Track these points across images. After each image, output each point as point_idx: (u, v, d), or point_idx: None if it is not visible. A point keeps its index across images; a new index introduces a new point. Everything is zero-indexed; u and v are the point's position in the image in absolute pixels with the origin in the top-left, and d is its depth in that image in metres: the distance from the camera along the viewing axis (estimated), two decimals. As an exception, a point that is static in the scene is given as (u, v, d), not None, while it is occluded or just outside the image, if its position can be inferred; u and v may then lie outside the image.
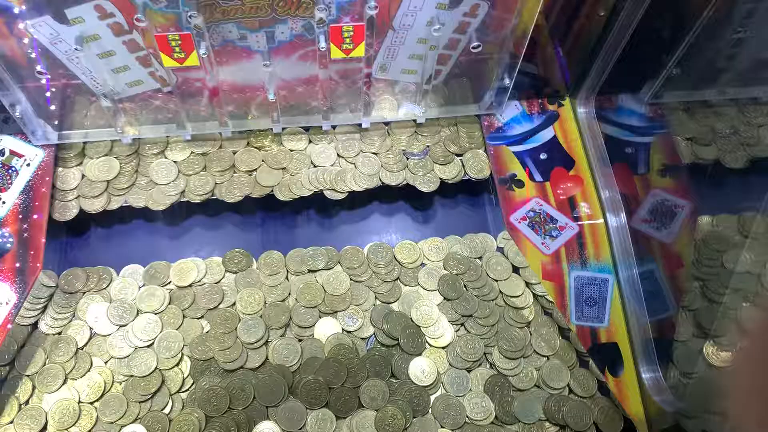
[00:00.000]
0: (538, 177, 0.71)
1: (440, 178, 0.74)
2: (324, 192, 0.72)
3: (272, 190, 0.72)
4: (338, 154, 0.74)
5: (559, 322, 0.70)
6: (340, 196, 0.72)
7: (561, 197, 0.70)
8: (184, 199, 0.71)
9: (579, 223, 0.69)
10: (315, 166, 0.73)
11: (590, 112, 0.74)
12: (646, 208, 0.70)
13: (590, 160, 0.72)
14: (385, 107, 0.73)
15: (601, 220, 0.69)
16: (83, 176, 0.71)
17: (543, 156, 0.72)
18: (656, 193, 0.71)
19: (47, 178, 0.68)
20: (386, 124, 0.75)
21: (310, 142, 0.75)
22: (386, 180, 0.73)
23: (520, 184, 0.70)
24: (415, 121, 0.74)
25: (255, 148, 0.74)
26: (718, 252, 0.72)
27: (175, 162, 0.72)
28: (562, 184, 0.71)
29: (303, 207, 0.75)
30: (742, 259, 0.71)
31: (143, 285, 0.70)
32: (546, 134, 0.73)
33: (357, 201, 0.75)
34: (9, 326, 0.62)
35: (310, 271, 0.72)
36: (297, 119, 0.72)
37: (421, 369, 0.67)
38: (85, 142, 0.71)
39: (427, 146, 0.74)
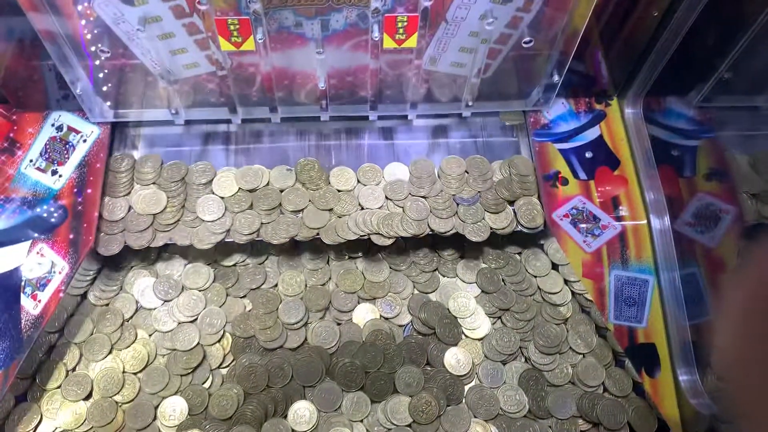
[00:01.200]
0: (582, 175, 0.71)
1: (491, 228, 0.69)
2: (371, 236, 0.69)
3: (318, 233, 0.68)
4: (386, 197, 0.70)
5: (597, 321, 0.70)
6: (387, 242, 0.69)
7: (604, 196, 0.70)
8: (230, 239, 0.68)
9: (622, 223, 0.69)
10: (363, 209, 0.70)
11: (638, 112, 0.74)
12: (691, 212, 0.70)
13: (636, 160, 0.72)
14: (432, 100, 0.74)
15: (645, 221, 0.69)
16: (130, 208, 0.69)
17: (588, 154, 0.72)
18: (701, 197, 0.70)
19: (102, 155, 0.70)
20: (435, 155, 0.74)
21: (359, 182, 0.72)
22: (435, 226, 0.69)
23: (564, 181, 0.70)
24: (459, 115, 0.75)
25: (301, 183, 0.71)
26: (761, 259, 0.71)
27: (222, 198, 0.69)
28: (607, 183, 0.71)
29: (349, 251, 0.74)
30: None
31: (189, 262, 0.72)
32: (592, 133, 0.73)
33: (405, 247, 0.75)
34: (61, 295, 0.64)
35: (350, 257, 0.73)
36: (345, 108, 0.73)
37: (456, 359, 0.68)
38: (134, 164, 0.71)
39: (478, 192, 0.71)
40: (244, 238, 0.68)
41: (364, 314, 0.70)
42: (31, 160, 0.69)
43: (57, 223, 0.67)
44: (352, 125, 0.75)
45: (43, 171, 0.69)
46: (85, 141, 0.71)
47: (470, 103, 0.72)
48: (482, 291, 0.71)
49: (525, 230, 0.70)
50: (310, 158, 0.72)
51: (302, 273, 0.72)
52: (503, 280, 0.72)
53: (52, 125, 0.71)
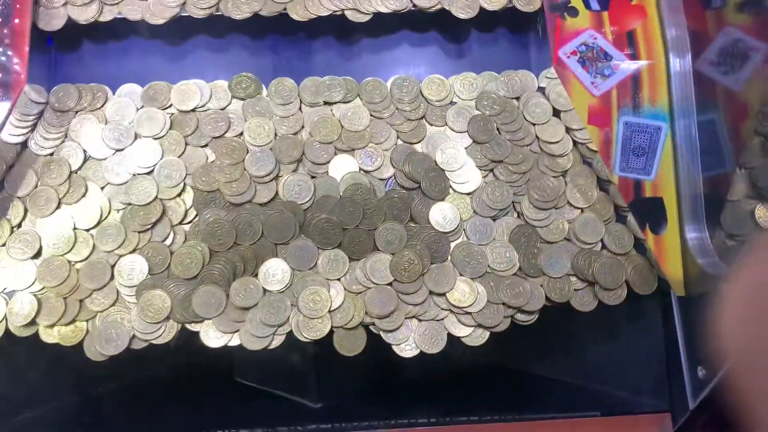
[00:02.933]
0: (594, 5, 0.61)
1: (480, 5, 0.63)
2: (345, 12, 0.62)
3: (285, 8, 0.62)
4: None
5: (599, 173, 0.63)
6: (364, 18, 0.62)
7: (619, 30, 0.60)
8: (185, 13, 0.62)
9: (636, 61, 0.60)
10: None
11: (664, -72, 0.63)
12: (716, 49, 0.61)
13: (657, -12, 0.62)
14: None
15: (662, 60, 0.60)
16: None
17: (603, -20, 0.61)
18: (729, 32, 0.61)
19: (28, -23, 0.59)
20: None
21: None
22: (417, 1, 0.62)
23: (574, 12, 0.60)
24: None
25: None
26: (787, 105, 0.63)
27: None
28: (622, 14, 0.61)
29: (320, 30, 0.65)
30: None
31: (141, 107, 0.63)
32: (609, -46, 0.62)
33: (382, 26, 0.65)
34: (-6, 143, 0.56)
35: (326, 103, 0.65)
36: None
37: (442, 214, 0.61)
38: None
39: None
40: (202, 12, 0.61)
41: (341, 167, 0.63)
42: (-57, -17, 0.58)
43: (-20, 59, 0.57)
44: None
45: (-40, -4, 0.58)
46: (6, -40, 0.59)
47: None
48: (474, 141, 0.64)
49: (520, 10, 0.63)
50: None
51: (271, 120, 0.63)
52: (498, 129, 0.64)
53: (-36, -61, 0.59)
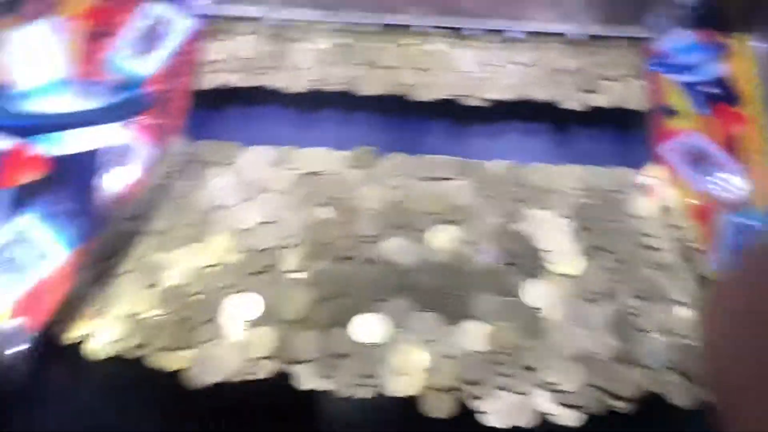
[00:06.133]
0: (699, 110, 0.64)
1: (588, 103, 0.68)
2: (462, 98, 0.68)
3: (408, 89, 0.68)
4: (482, 62, 0.70)
5: (701, 269, 0.63)
6: (479, 104, 0.68)
7: (722, 134, 0.63)
8: (320, 87, 0.69)
9: (740, 164, 0.62)
10: (456, 71, 0.69)
11: (769, 48, 0.67)
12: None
13: (761, 100, 0.65)
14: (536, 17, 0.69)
15: (766, 165, 0.62)
16: (225, 52, 0.70)
17: (707, 89, 0.65)
18: (835, 147, 0.63)
19: (197, 44, 0.69)
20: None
21: (452, 48, 0.71)
22: (530, 93, 0.68)
23: (677, 112, 0.64)
24: (563, 35, 0.70)
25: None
26: None
27: (315, 49, 0.69)
28: (725, 120, 0.64)
29: (438, 113, 0.71)
30: None
31: (271, 166, 0.70)
32: (714, 68, 0.67)
33: (495, 114, 0.71)
34: (142, 181, 0.63)
35: (434, 178, 0.70)
36: (445, 19, 0.69)
37: (538, 293, 0.63)
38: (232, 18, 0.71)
39: (579, 68, 0.69)
40: (335, 87, 0.69)
41: (444, 236, 0.66)
42: (122, 45, 0.69)
43: (146, 108, 0.66)
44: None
45: (135, 56, 0.68)
46: (180, 30, 0.70)
47: (580, 24, 0.67)
48: (576, 226, 0.66)
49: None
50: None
51: (384, 188, 0.69)
52: (600, 218, 0.67)
53: (146, 11, 0.70)
